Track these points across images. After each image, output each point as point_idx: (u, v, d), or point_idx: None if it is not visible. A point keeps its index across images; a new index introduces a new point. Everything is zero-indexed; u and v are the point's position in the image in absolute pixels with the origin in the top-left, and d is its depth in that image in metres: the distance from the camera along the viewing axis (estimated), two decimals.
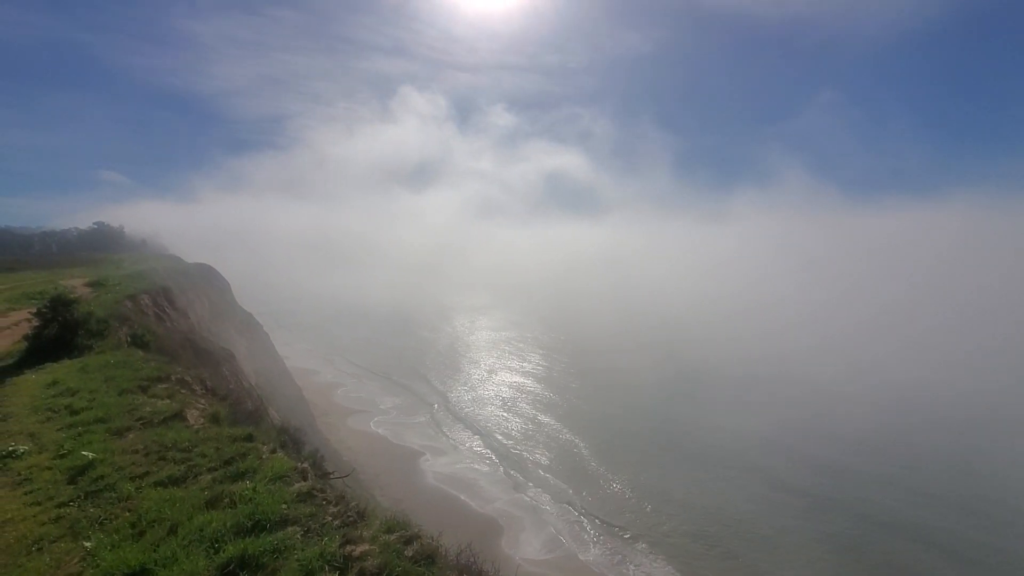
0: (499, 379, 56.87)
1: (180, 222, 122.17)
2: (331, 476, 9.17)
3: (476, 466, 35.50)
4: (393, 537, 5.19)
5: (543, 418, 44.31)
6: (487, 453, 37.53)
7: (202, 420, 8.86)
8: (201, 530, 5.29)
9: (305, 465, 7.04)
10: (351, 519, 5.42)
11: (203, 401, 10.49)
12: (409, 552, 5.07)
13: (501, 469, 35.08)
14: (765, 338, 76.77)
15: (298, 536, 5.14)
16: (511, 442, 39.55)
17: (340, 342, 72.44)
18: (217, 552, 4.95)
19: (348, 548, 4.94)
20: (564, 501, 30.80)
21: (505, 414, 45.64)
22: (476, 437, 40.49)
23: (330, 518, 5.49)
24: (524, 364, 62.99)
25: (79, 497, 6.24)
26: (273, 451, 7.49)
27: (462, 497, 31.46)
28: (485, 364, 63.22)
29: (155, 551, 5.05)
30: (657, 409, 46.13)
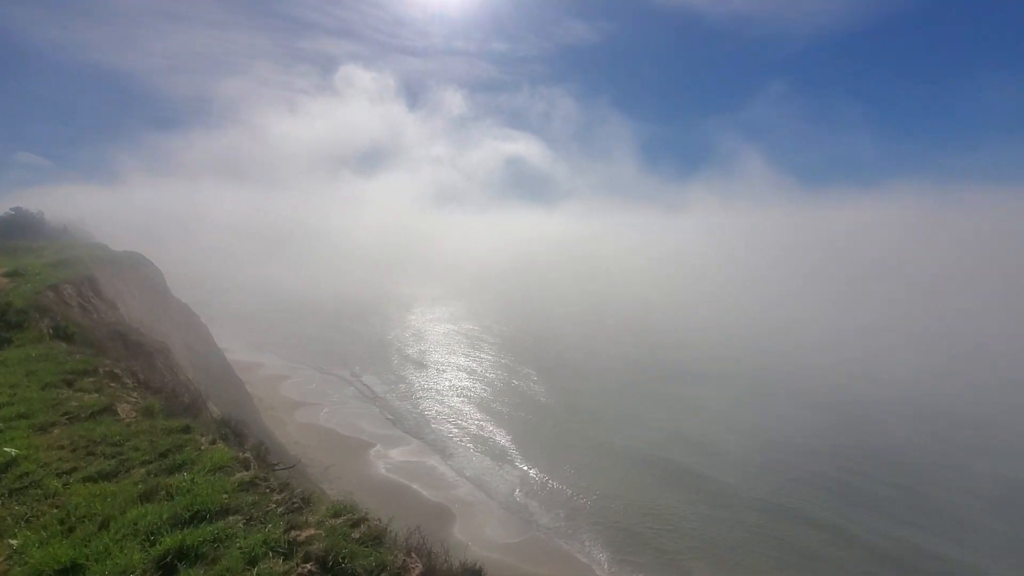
0: (454, 371, 56.75)
1: (107, 207, 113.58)
2: (276, 468, 9.02)
3: (428, 457, 35.49)
4: (340, 521, 5.23)
5: (498, 409, 44.67)
6: (439, 444, 37.59)
7: (134, 414, 8.47)
8: (135, 523, 5.15)
9: (247, 455, 6.91)
10: (296, 506, 5.40)
11: (135, 395, 10.00)
12: (356, 535, 5.12)
13: (453, 459, 35.24)
14: (725, 329, 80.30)
15: (240, 524, 5.09)
16: (464, 433, 39.74)
17: (286, 334, 70.02)
18: (153, 545, 4.84)
19: (293, 533, 4.94)
20: (515, 489, 31.32)
21: (459, 406, 45.73)
22: (429, 428, 40.41)
23: (274, 505, 5.46)
24: (480, 356, 63.05)
25: (2, 495, 5.91)
26: (212, 442, 7.30)
27: (414, 486, 31.45)
28: (440, 356, 62.93)
29: (86, 546, 4.88)
30: (609, 401, 47.24)
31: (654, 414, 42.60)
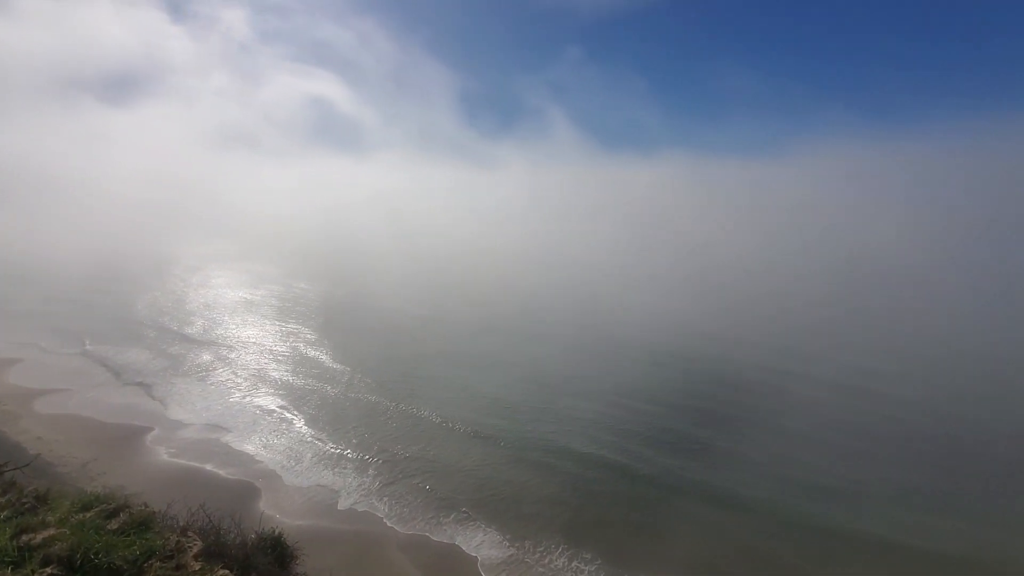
0: (248, 342, 51.12)
1: None
2: (2, 470, 7.43)
3: (221, 435, 32.20)
4: (90, 514, 4.69)
5: (296, 381, 41.33)
6: (234, 421, 34.18)
7: None
8: None
9: None
10: (28, 506, 4.63)
11: None
12: (114, 525, 4.67)
13: (253, 435, 32.58)
14: (538, 284, 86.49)
15: None
16: (261, 408, 36.58)
17: (12, 308, 54.67)
18: None
19: (25, 538, 4.29)
20: (320, 458, 30.50)
21: (255, 381, 41.53)
22: (219, 406, 36.25)
23: None
24: (282, 325, 57.71)
25: None
26: None
27: (208, 467, 28.53)
28: (232, 327, 56.03)
29: None
30: (421, 365, 47.48)
31: (471, 377, 43.28)
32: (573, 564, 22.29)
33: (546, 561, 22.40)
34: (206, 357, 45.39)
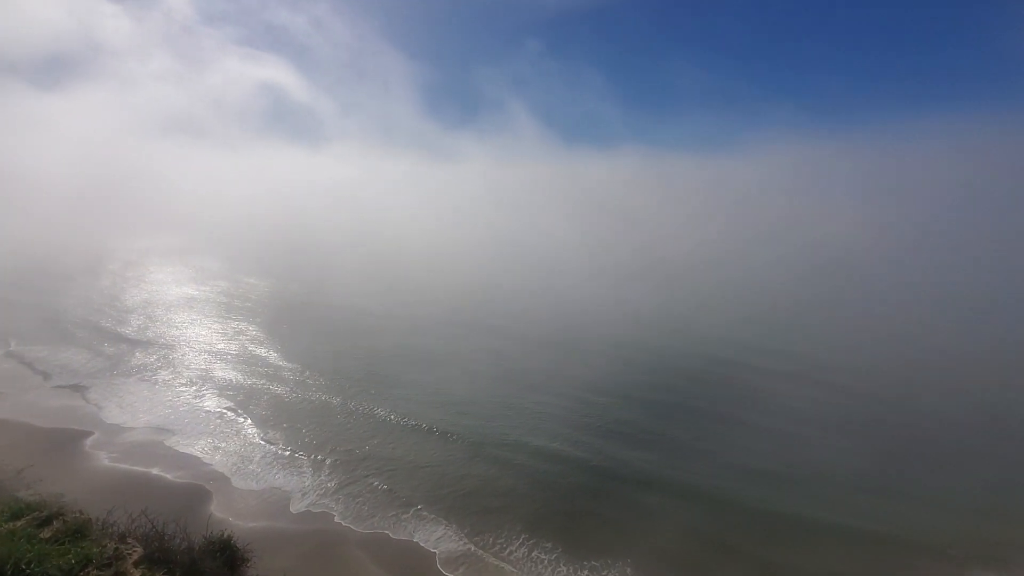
0: (193, 341, 49.05)
1: None
2: None
3: (166, 438, 30.86)
4: (21, 523, 4.50)
5: (245, 381, 39.66)
6: (180, 423, 32.78)
7: None
8: None
9: None
10: None
11: None
12: (47, 534, 4.51)
13: (201, 437, 31.37)
14: (498, 281, 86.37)
15: None
16: (204, 406, 35.19)
17: None
18: None
19: None
20: (272, 459, 29.71)
21: (194, 378, 39.84)
22: (164, 408, 34.70)
23: None
24: (229, 323, 55.61)
25: None
26: None
27: (155, 471, 27.33)
28: (175, 326, 53.56)
29: None
30: (375, 364, 46.93)
31: (429, 373, 42.72)
32: (533, 554, 22.69)
33: (506, 553, 22.71)
34: (146, 358, 43.20)
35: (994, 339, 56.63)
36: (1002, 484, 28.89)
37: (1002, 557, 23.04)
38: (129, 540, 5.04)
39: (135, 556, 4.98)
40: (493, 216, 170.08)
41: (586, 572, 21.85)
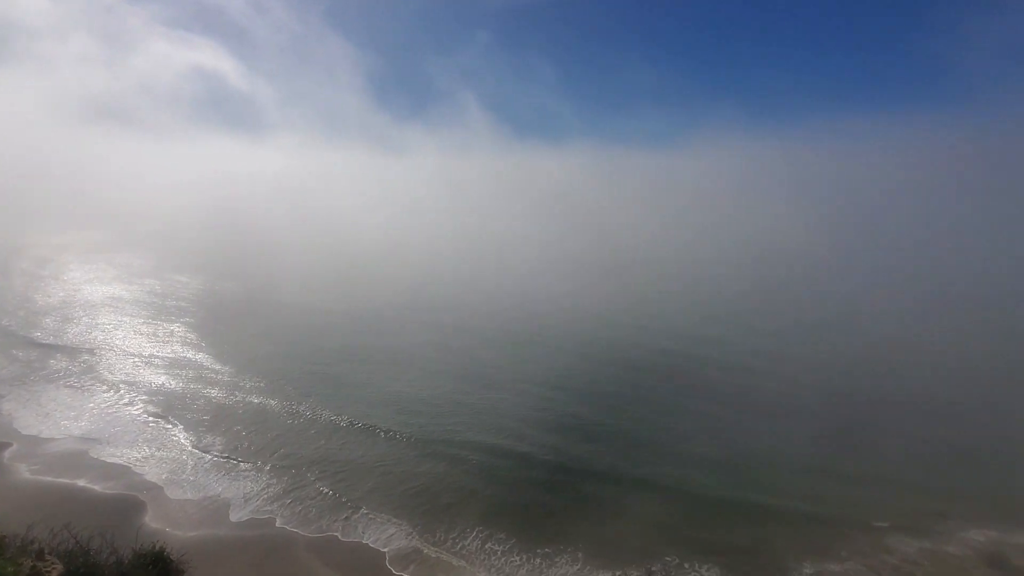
0: (112, 342, 45.70)
1: None
2: None
3: (92, 447, 28.91)
4: None
5: (176, 386, 37.38)
6: (102, 431, 30.74)
7: None
8: None
9: None
10: None
11: None
12: None
13: (131, 446, 29.55)
14: (452, 275, 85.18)
15: None
16: (133, 413, 33.15)
17: None
18: None
19: None
20: (208, 465, 28.39)
21: (120, 384, 37.16)
22: (84, 415, 32.41)
23: None
24: (161, 325, 52.08)
25: None
26: None
27: (81, 483, 25.62)
28: (91, 325, 49.69)
29: None
30: (317, 364, 45.10)
31: (376, 373, 41.73)
32: (487, 546, 22.88)
33: (458, 548, 22.77)
34: (67, 363, 40.10)
35: (925, 325, 60.62)
36: (924, 460, 31.41)
37: (923, 527, 25.26)
38: (48, 557, 4.77)
39: (54, 574, 4.73)
40: (444, 209, 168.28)
41: (538, 560, 22.29)
